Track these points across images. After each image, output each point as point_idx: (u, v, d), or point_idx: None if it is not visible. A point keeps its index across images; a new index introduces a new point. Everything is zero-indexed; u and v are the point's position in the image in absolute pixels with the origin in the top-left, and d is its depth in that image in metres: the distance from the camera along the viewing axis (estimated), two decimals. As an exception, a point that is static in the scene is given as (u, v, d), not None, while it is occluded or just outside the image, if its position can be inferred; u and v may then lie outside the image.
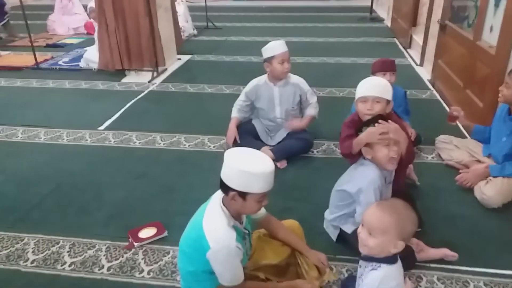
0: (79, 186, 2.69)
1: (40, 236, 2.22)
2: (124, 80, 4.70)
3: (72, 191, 2.64)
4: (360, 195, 1.85)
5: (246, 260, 1.66)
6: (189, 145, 3.19)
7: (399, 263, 1.44)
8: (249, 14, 8.82)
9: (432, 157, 2.93)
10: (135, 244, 2.14)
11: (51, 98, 4.24)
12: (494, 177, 2.41)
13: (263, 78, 3.03)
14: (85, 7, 7.00)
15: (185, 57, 5.54)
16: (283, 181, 2.59)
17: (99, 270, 2.00)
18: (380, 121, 1.87)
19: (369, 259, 1.42)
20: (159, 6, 4.68)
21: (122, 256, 2.08)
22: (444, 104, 3.87)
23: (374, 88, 2.15)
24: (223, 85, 4.46)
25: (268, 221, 1.82)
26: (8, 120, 3.66)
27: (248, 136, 3.00)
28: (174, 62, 5.28)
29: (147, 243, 2.15)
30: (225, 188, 1.49)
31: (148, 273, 1.97)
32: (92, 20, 5.66)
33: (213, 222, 1.51)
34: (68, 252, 2.11)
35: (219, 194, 1.58)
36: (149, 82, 4.59)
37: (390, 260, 1.39)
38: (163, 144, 3.22)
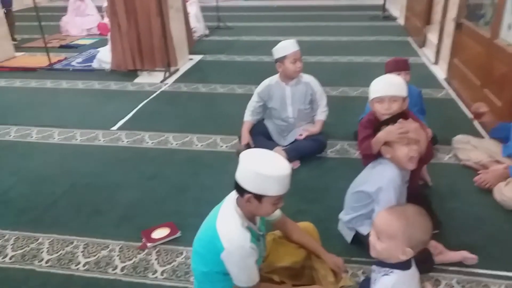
0: (93, 186, 2.70)
1: (55, 236, 2.23)
2: (136, 80, 4.72)
3: (85, 191, 2.65)
4: (379, 194, 1.81)
5: (260, 261, 1.64)
6: (201, 145, 3.18)
7: (414, 269, 1.40)
8: (260, 13, 8.80)
9: (449, 158, 2.87)
10: (148, 244, 2.13)
11: (65, 99, 4.28)
12: (514, 178, 2.35)
13: (275, 78, 3.01)
14: (98, 8, 7.09)
15: (197, 57, 5.54)
16: (296, 182, 2.52)
17: (112, 270, 1.99)
18: (400, 120, 1.83)
19: (382, 264, 1.39)
20: (170, 7, 4.69)
21: (136, 257, 2.07)
22: (460, 103, 3.80)
23: (390, 87, 2.11)
24: (235, 85, 4.45)
25: (283, 222, 1.80)
26: (23, 121, 3.69)
27: (260, 136, 2.98)
28: (186, 62, 5.28)
29: (160, 244, 2.14)
30: (240, 190, 1.47)
31: (162, 274, 1.96)
32: (107, 19, 5.69)
33: (227, 223, 1.50)
34: (82, 252, 2.12)
35: (233, 195, 1.56)
36: (161, 82, 4.60)
37: (403, 266, 1.36)
38: (176, 144, 3.21)
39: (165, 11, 4.53)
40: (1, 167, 2.96)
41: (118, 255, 2.08)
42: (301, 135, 2.94)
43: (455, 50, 4.25)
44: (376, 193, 1.84)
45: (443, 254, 1.96)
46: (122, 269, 2.00)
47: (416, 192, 2.14)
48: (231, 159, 2.87)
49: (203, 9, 6.96)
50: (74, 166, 2.95)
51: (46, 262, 2.05)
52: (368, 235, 1.91)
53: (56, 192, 2.64)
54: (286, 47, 2.85)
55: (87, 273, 1.99)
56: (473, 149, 2.74)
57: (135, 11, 4.51)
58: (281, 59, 2.86)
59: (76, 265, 2.03)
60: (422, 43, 5.72)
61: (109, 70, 4.95)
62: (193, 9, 6.50)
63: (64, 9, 7.40)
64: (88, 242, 2.18)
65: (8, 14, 6.02)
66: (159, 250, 2.11)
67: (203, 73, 5.03)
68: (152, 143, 3.24)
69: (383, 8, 8.16)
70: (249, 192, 1.43)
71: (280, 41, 2.93)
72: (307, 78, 3.01)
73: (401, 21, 7.42)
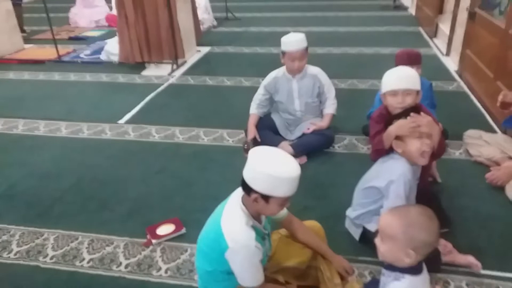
0: (99, 180, 2.69)
1: (60, 232, 2.23)
2: (144, 72, 4.69)
3: (92, 185, 2.65)
4: (390, 187, 1.78)
5: (265, 261, 1.62)
6: (208, 139, 3.15)
7: (425, 273, 1.35)
8: (269, 4, 8.69)
9: (460, 153, 2.80)
10: (153, 241, 2.12)
11: (72, 91, 4.28)
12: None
13: (282, 70, 2.95)
14: (106, -1, 7.06)
15: (205, 49, 5.50)
16: (303, 177, 2.43)
17: (117, 267, 1.99)
18: (412, 114, 1.78)
19: (392, 268, 1.34)
20: (178, -2, 4.64)
21: (140, 254, 2.06)
22: (472, 97, 3.71)
23: (403, 80, 2.05)
24: (242, 78, 4.40)
25: (289, 221, 1.76)
26: (30, 114, 3.70)
27: (267, 131, 2.94)
28: (193, 54, 5.24)
29: (165, 240, 2.13)
30: (247, 189, 1.43)
31: (166, 272, 1.94)
32: (115, 11, 5.65)
33: (232, 221, 1.47)
34: (86, 248, 2.11)
35: (238, 193, 1.53)
36: (168, 74, 4.57)
37: (414, 270, 1.31)
38: (182, 138, 3.19)
39: (173, 2, 4.48)
40: (9, 161, 2.97)
41: (122, 252, 2.08)
42: (308, 128, 2.89)
43: (468, 41, 4.14)
44: (386, 187, 1.80)
45: (452, 254, 1.91)
46: (126, 266, 1.99)
47: (426, 189, 2.09)
48: (238, 154, 2.84)
49: (211, -1, 6.90)
50: (80, 160, 2.95)
51: (51, 258, 2.05)
52: (376, 232, 1.88)
53: (62, 187, 2.64)
54: (287, 43, 2.79)
55: (91, 270, 1.98)
56: (485, 145, 2.67)
57: (142, 3, 4.47)
58: (283, 53, 2.81)
59: (80, 262, 2.03)
60: (434, 34, 5.59)
61: (117, 62, 4.93)
62: (202, 1, 6.43)
63: (73, 0, 7.38)
64: (93, 238, 2.18)
65: (17, 7, 6.02)
66: (164, 247, 2.10)
67: (210, 65, 4.99)
68: (158, 136, 3.22)
69: (394, -3, 8.01)
70: (256, 192, 1.40)
71: (288, 32, 2.88)
72: (314, 70, 2.95)
73: (412, 10, 7.27)
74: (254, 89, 3.14)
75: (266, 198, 1.41)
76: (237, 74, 4.51)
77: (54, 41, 5.16)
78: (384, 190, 1.81)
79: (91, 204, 2.46)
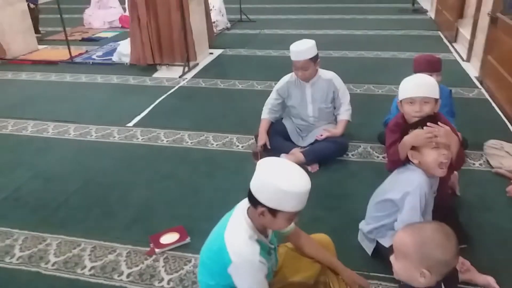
0: (105, 185, 2.65)
1: (63, 237, 2.18)
2: (155, 75, 4.65)
3: (97, 190, 2.60)
4: (405, 199, 1.69)
5: (271, 276, 1.54)
6: (217, 145, 3.08)
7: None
8: (284, 5, 8.60)
9: (480, 164, 2.67)
10: (156, 250, 2.05)
11: (83, 93, 4.26)
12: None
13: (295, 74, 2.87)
14: (121, 0, 7.07)
15: (217, 52, 5.44)
16: (314, 187, 2.36)
17: (118, 276, 1.92)
18: (428, 123, 1.70)
19: (409, 288, 1.25)
20: (191, 0, 4.58)
21: (143, 263, 2.00)
22: (493, 104, 3.56)
23: (422, 87, 1.97)
24: (255, 81, 4.33)
25: (296, 235, 1.68)
26: (40, 115, 3.69)
27: (278, 137, 2.85)
28: (206, 56, 5.18)
29: (169, 250, 2.06)
30: (254, 201, 1.35)
31: (168, 283, 1.87)
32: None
33: (235, 235, 1.40)
34: (89, 255, 2.06)
35: (244, 204, 1.45)
36: (180, 77, 4.52)
37: None
38: (191, 142, 3.13)
39: (186, 4, 4.43)
40: (17, 163, 2.94)
41: (125, 260, 2.02)
42: (321, 135, 2.79)
43: (489, 47, 3.99)
44: (401, 199, 1.72)
45: (470, 272, 1.80)
46: (128, 275, 1.93)
47: (445, 202, 1.98)
48: (247, 160, 2.76)
49: (225, 0, 6.84)
50: (87, 163, 2.91)
51: (52, 265, 2.01)
52: (391, 248, 1.78)
53: (68, 190, 2.60)
54: (291, 52, 2.73)
55: (93, 278, 1.93)
56: (506, 156, 2.55)
57: (155, 4, 4.43)
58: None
59: (82, 269, 1.97)
60: (454, 39, 5.44)
61: (128, 64, 4.90)
62: (216, 3, 6.39)
63: (88, 2, 7.42)
64: (95, 245, 2.12)
65: (33, 8, 6.07)
66: (167, 256, 2.03)
67: (222, 68, 4.93)
68: (167, 141, 3.16)
69: (413, 0, 7.84)
70: (263, 205, 1.32)
71: (303, 35, 2.83)
72: (328, 74, 2.86)
73: (431, 14, 7.10)
74: (266, 93, 3.06)
75: (273, 212, 1.33)
76: (249, 77, 4.44)
77: (67, 42, 5.17)
78: (399, 202, 1.73)
79: (95, 209, 2.41)
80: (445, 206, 1.96)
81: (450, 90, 2.79)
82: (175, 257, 2.02)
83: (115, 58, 5.16)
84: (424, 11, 7.51)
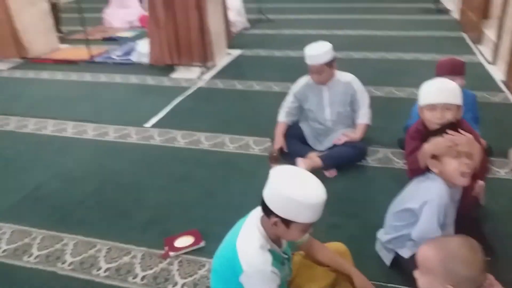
0: (122, 186, 2.66)
1: (79, 238, 2.20)
2: (173, 75, 4.66)
3: (114, 191, 2.61)
4: (424, 207, 1.64)
5: (284, 286, 1.50)
6: (233, 147, 3.05)
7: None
8: (303, 5, 8.52)
9: (506, 172, 2.58)
10: (171, 253, 2.04)
11: (102, 93, 4.30)
12: None
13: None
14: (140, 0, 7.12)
15: (236, 52, 5.41)
16: (332, 193, 2.33)
17: (133, 279, 1.92)
18: (449, 131, 1.63)
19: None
20: (209, 0, 4.57)
21: (157, 266, 1.99)
22: (520, 109, 3.44)
23: (443, 93, 1.90)
24: (272, 82, 4.29)
25: (310, 244, 1.64)
26: (60, 114, 3.73)
27: (295, 140, 2.81)
28: (223, 57, 5.16)
29: (183, 253, 2.05)
30: (267, 211, 1.32)
31: (182, 287, 1.86)
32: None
33: (247, 243, 1.37)
34: (104, 257, 2.06)
35: (258, 212, 1.42)
36: (197, 78, 4.52)
37: None
38: (207, 144, 3.11)
39: (203, 4, 4.42)
40: (37, 162, 2.99)
41: (139, 263, 2.01)
42: (339, 139, 2.73)
43: (517, 49, 3.86)
44: (420, 209, 1.66)
45: (493, 287, 1.72)
46: (143, 278, 1.93)
47: (468, 212, 1.91)
48: (263, 164, 2.72)
49: (244, 0, 6.81)
50: (105, 164, 2.93)
51: (69, 265, 2.02)
52: (410, 259, 1.73)
53: (85, 191, 2.62)
54: (307, 56, 2.68)
55: (107, 280, 1.93)
56: (534, 164, 2.44)
57: (173, 4, 4.43)
58: None
59: (97, 270, 1.98)
60: (478, 40, 5.28)
61: (147, 64, 4.93)
62: (236, 3, 6.37)
63: (108, 1, 7.50)
64: (111, 247, 2.13)
65: (54, 7, 6.16)
66: (181, 260, 2.02)
67: (240, 69, 4.90)
68: (184, 142, 3.16)
69: (436, 0, 7.66)
70: (277, 215, 1.29)
71: (322, 36, 2.77)
72: (347, 77, 2.79)
73: (455, 14, 6.92)
74: (283, 95, 3.02)
75: (286, 223, 1.30)
76: (267, 78, 4.40)
77: (87, 42, 5.23)
78: (418, 212, 1.68)
79: (111, 210, 2.43)
80: (468, 217, 1.90)
81: (475, 95, 2.69)
82: (190, 261, 2.01)
83: (134, 57, 5.19)
84: (447, 12, 7.33)
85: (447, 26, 6.35)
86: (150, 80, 4.58)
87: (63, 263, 2.04)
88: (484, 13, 5.23)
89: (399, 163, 2.73)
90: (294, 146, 2.77)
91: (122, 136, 3.31)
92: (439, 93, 1.90)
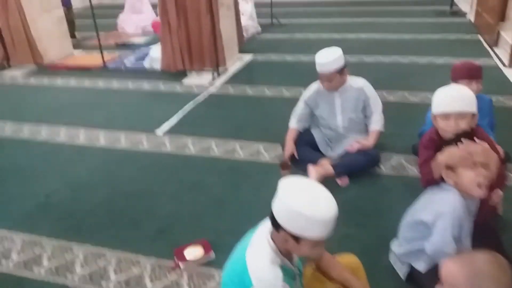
0: (132, 194, 2.65)
1: (89, 248, 2.19)
2: (185, 80, 4.65)
3: (124, 199, 2.61)
4: (438, 220, 1.58)
5: (295, 302, 1.45)
6: (244, 154, 3.03)
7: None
8: (315, 9, 8.48)
9: (525, 180, 2.49)
10: (181, 265, 2.01)
11: (114, 99, 4.32)
12: None
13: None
14: (154, 5, 7.15)
15: (247, 57, 5.40)
16: (344, 202, 2.29)
17: (142, 291, 1.90)
18: (463, 140, 1.58)
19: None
20: (221, 4, 4.57)
21: (166, 277, 1.97)
22: (539, 114, 3.34)
23: (457, 101, 1.84)
24: (284, 88, 4.26)
25: (321, 257, 1.59)
26: (73, 121, 3.75)
27: (306, 147, 2.77)
28: (235, 62, 5.15)
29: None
30: (276, 225, 1.28)
31: (191, 301, 1.84)
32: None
33: (257, 258, 1.33)
34: (114, 268, 2.05)
35: (268, 224, 1.38)
36: (209, 83, 4.51)
37: None
38: (218, 152, 3.09)
39: (215, 9, 4.42)
40: (48, 170, 3.00)
41: (149, 275, 1.99)
42: (352, 146, 2.68)
43: (535, 52, 3.75)
44: (433, 222, 1.61)
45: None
46: (152, 290, 1.90)
47: (486, 223, 1.85)
48: (274, 172, 2.69)
49: (256, 4, 6.79)
50: (115, 172, 2.93)
51: (79, 278, 2.01)
52: (426, 273, 1.67)
53: (95, 199, 2.62)
54: (317, 63, 2.64)
55: (117, 292, 1.91)
56: (555, 172, 2.35)
57: (185, 9, 4.44)
58: None
59: (106, 282, 1.97)
60: (495, 43, 5.16)
61: (159, 69, 4.94)
62: (248, 8, 6.35)
63: (122, 7, 7.56)
64: (120, 257, 2.11)
65: (68, 13, 6.24)
66: (191, 271, 1.99)
67: (252, 74, 4.88)
68: (194, 149, 3.15)
69: (451, 2, 7.54)
70: (286, 230, 1.25)
71: (334, 40, 2.77)
72: (359, 82, 2.74)
73: (471, 17, 6.79)
74: (295, 100, 2.99)
75: (296, 238, 1.25)
76: (279, 83, 4.37)
77: (100, 48, 5.27)
78: (432, 225, 1.62)
79: (121, 220, 2.42)
80: (486, 228, 1.83)
81: (491, 100, 2.61)
82: (199, 273, 1.98)
83: (146, 63, 5.21)
84: (462, 14, 7.20)
85: (462, 28, 6.24)
86: (162, 86, 4.59)
87: (72, 273, 2.02)
88: (500, 15, 5.13)
89: (413, 171, 2.67)
90: (306, 153, 2.73)
91: (134, 143, 3.31)
92: (452, 101, 1.85)
